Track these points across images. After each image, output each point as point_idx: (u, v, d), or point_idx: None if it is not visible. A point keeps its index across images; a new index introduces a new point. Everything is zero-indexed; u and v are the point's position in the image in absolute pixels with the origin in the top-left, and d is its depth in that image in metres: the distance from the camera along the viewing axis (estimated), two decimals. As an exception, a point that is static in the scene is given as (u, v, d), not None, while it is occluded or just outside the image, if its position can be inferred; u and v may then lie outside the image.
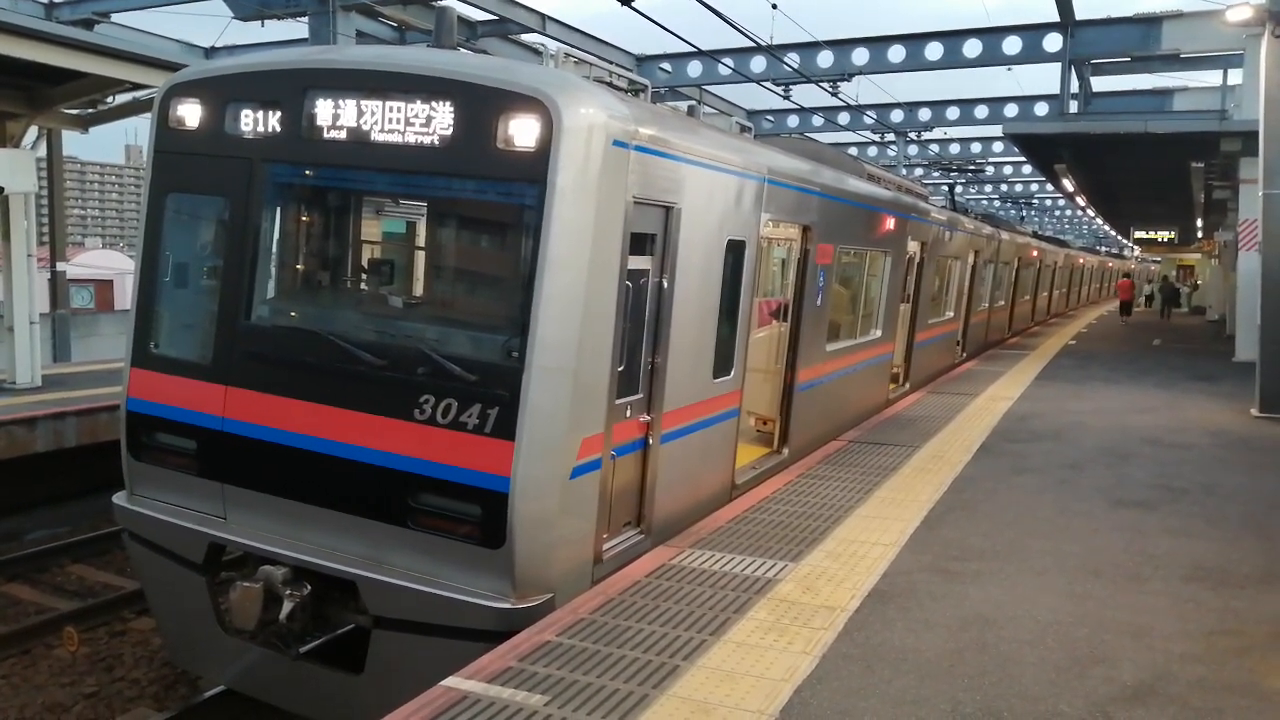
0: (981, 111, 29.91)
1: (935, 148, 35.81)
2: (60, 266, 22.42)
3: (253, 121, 6.64)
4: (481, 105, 5.93)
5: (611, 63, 9.54)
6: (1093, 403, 14.82)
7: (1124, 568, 6.94)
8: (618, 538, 6.78)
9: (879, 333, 13.04)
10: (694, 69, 25.00)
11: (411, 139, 6.10)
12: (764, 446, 10.05)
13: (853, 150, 29.38)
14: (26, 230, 13.80)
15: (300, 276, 7.43)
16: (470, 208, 6.76)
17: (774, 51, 21.05)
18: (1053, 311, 37.76)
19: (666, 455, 7.14)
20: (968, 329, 20.23)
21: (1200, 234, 42.30)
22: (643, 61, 24.93)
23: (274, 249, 7.05)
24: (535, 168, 5.80)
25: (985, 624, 5.80)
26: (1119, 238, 69.07)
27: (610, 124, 6.07)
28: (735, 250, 7.94)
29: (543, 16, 21.05)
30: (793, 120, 31.00)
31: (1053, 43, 21.58)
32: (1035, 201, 50.33)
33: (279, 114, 6.54)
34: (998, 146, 37.69)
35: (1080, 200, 36.39)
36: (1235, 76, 23.75)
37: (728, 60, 23.00)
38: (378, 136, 6.20)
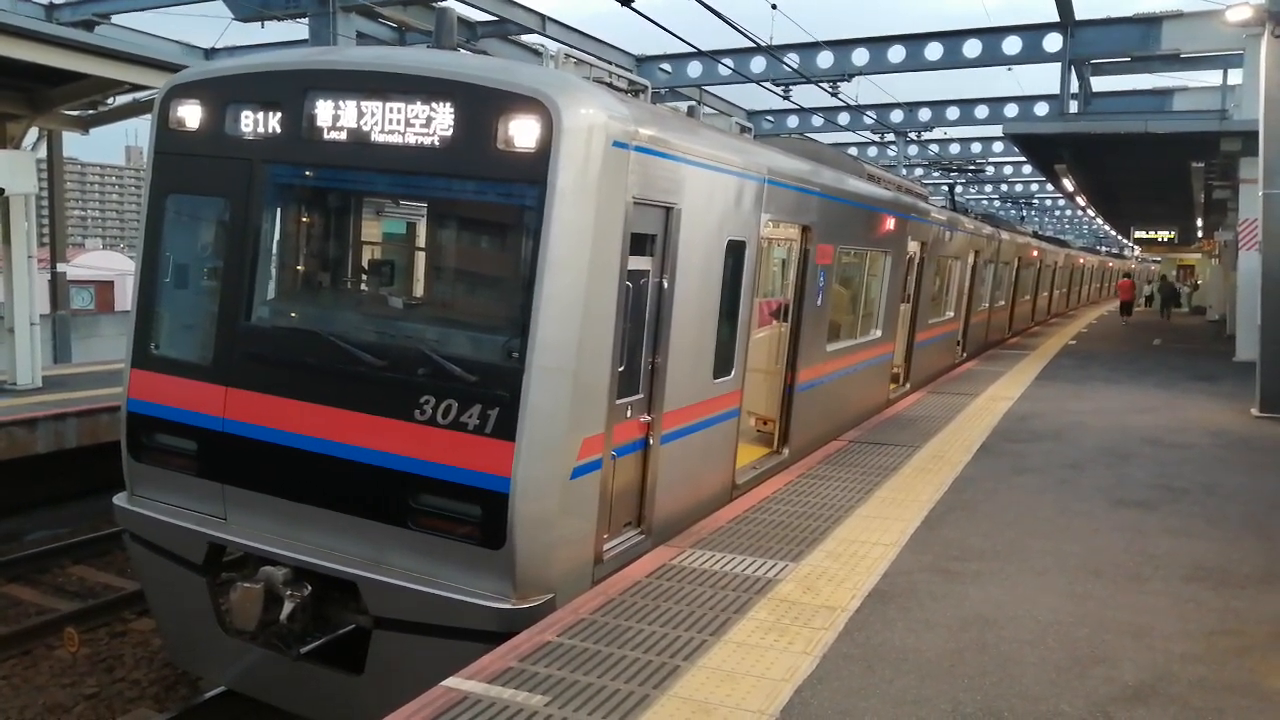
0: (981, 111, 29.93)
1: (935, 148, 35.80)
2: (60, 268, 22.40)
3: (253, 122, 6.64)
4: (481, 106, 5.93)
5: (611, 63, 9.54)
6: (1093, 403, 14.81)
7: (1124, 568, 6.94)
8: (618, 538, 6.78)
9: (879, 333, 13.04)
10: (694, 69, 25.01)
11: (412, 140, 6.10)
12: (764, 446, 10.05)
13: (853, 150, 29.40)
14: (27, 231, 13.82)
15: (301, 277, 7.43)
16: (470, 209, 6.76)
17: (774, 52, 21.04)
18: (1053, 311, 37.75)
19: (667, 455, 7.14)
20: (968, 329, 20.23)
21: (1200, 234, 42.26)
22: (642, 62, 24.94)
23: (274, 250, 7.05)
24: (535, 168, 5.80)
25: (986, 624, 5.80)
26: (1119, 238, 69.05)
27: (610, 125, 6.07)
28: (735, 251, 7.94)
29: (542, 17, 21.06)
30: (793, 120, 31.02)
31: (1053, 43, 21.58)
32: (1035, 201, 50.31)
33: (279, 115, 6.55)
34: (998, 146, 37.69)
35: (1080, 200, 36.36)
36: (1235, 76, 23.75)
37: (727, 61, 23.00)
38: (378, 137, 6.21)
